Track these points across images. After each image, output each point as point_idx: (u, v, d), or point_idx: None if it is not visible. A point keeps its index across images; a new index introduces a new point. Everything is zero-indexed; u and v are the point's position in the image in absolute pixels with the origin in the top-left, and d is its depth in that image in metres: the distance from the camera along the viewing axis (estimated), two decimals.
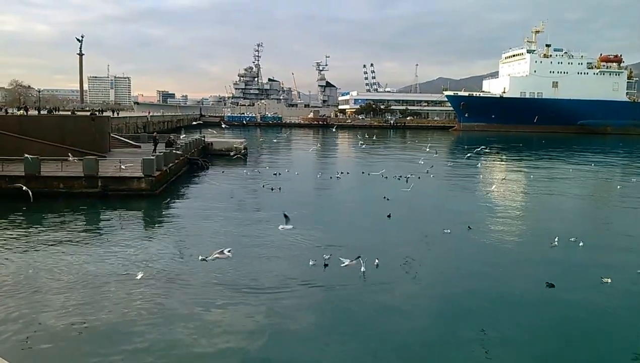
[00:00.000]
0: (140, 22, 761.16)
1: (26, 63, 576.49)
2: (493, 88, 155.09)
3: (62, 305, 13.71)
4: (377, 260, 17.51)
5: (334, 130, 73.18)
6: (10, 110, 73.47)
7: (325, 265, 17.35)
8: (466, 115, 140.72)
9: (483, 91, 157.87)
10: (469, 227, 23.64)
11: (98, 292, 14.70)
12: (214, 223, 24.01)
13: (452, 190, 36.67)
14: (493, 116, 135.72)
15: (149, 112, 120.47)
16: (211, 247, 18.78)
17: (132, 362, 11.13)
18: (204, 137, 58.46)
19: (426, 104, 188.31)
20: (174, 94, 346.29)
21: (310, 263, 17.38)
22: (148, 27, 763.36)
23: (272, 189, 33.67)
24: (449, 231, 22.44)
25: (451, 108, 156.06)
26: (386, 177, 39.23)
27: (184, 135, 52.22)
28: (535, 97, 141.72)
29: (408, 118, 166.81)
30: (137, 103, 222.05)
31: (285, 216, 18.56)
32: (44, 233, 21.46)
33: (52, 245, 19.63)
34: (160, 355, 11.37)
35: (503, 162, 63.00)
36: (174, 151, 37.34)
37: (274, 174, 39.34)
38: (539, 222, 26.77)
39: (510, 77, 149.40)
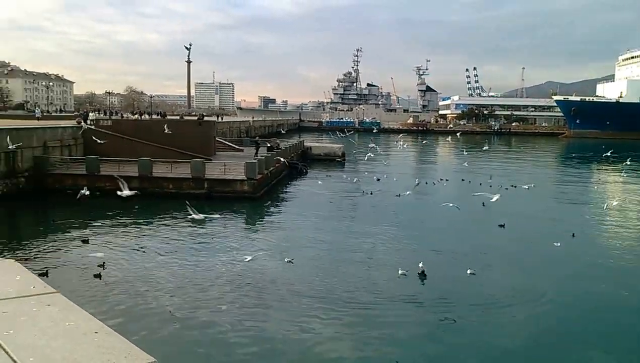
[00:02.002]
0: (244, 30, 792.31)
1: (140, 70, 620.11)
2: (608, 92, 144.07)
3: (163, 301, 13.86)
4: (469, 270, 16.62)
5: (458, 136, 70.52)
6: (125, 115, 78.54)
7: (423, 275, 16.64)
8: (577, 122, 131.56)
9: (597, 96, 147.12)
10: (572, 234, 22.65)
11: (199, 290, 14.90)
12: (312, 227, 23.88)
13: (565, 201, 34.04)
14: (608, 123, 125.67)
15: (252, 117, 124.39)
16: (307, 249, 18.63)
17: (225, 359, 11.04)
18: (303, 141, 58.93)
19: (533, 109, 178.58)
20: (274, 99, 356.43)
21: (400, 272, 16.70)
22: (251, 35, 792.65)
23: (370, 193, 33.36)
24: (558, 244, 20.63)
25: (560, 114, 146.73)
26: (490, 186, 37.17)
27: (279, 142, 52.87)
28: None
29: (513, 124, 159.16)
30: (240, 108, 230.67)
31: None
32: (151, 229, 22.32)
33: (161, 241, 20.28)
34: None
35: (618, 173, 57.94)
36: (274, 155, 37.73)
37: (377, 179, 38.57)
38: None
39: (628, 80, 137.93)
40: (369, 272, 17.30)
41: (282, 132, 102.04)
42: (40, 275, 14.44)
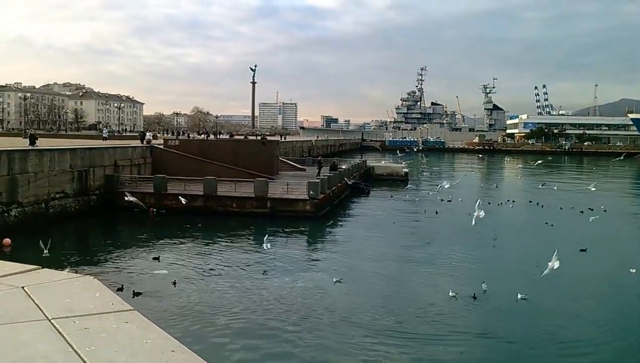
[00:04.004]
0: (307, 50, 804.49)
1: (206, 91, 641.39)
2: None
3: (230, 321, 14.15)
4: (520, 295, 16.08)
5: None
6: (192, 135, 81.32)
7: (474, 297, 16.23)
8: None
9: None
10: None
11: (264, 310, 15.11)
12: (373, 248, 23.83)
13: (631, 225, 32.41)
14: None
15: (317, 136, 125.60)
16: (366, 271, 18.60)
17: None
18: (365, 161, 58.90)
19: (607, 128, 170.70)
20: (337, 119, 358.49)
21: (450, 293, 16.39)
22: (314, 55, 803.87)
23: (436, 212, 33.07)
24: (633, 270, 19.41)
25: (637, 132, 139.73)
26: (561, 208, 35.84)
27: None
28: None
29: (585, 143, 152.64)
30: (302, 128, 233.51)
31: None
32: (217, 248, 22.87)
33: (222, 259, 20.75)
34: None
35: None
36: (337, 174, 37.91)
37: (441, 200, 37.95)
38: None
39: None
40: (423, 297, 17.04)
41: (344, 151, 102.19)
42: (116, 291, 15.22)
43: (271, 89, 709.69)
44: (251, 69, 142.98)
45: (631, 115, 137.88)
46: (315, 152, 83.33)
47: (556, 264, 15.79)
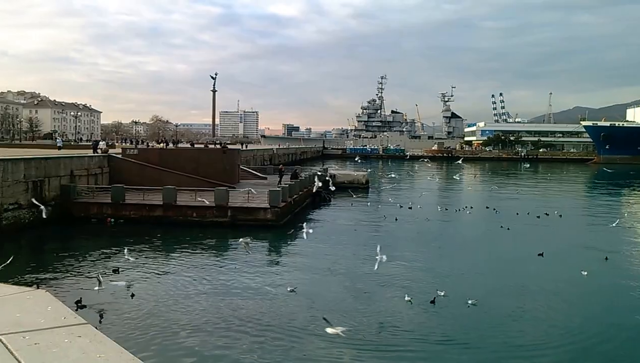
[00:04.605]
0: (270, 59, 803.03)
1: (166, 100, 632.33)
2: (639, 117, 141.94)
3: (188, 334, 14.00)
4: (470, 300, 16.41)
5: (460, 162, 70.19)
6: (151, 144, 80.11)
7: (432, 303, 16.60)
8: (607, 147, 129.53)
9: (627, 121, 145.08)
10: (605, 257, 22.98)
11: (222, 322, 14.94)
12: (334, 255, 23.83)
13: (598, 229, 33.44)
14: (639, 148, 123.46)
15: (279, 145, 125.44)
16: (326, 279, 18.59)
17: None
18: (326, 169, 59.13)
19: (561, 135, 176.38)
20: (298, 127, 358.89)
21: (406, 298, 16.63)
22: (276, 63, 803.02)
23: (396, 219, 33.43)
24: (585, 273, 20.15)
25: (589, 139, 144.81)
26: (518, 213, 36.82)
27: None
28: None
29: (540, 150, 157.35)
30: (264, 136, 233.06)
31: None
32: (175, 258, 22.58)
33: (182, 269, 20.51)
34: None
35: None
36: (298, 182, 37.98)
37: (400, 206, 38.46)
38: None
39: None
40: (380, 303, 17.13)
41: (306, 159, 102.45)
42: (72, 305, 14.83)
43: (233, 97, 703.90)
44: (212, 77, 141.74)
45: (584, 123, 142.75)
46: (277, 161, 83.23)
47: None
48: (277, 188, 32.19)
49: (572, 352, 13.61)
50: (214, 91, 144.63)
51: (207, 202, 29.19)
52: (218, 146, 65.50)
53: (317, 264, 22.23)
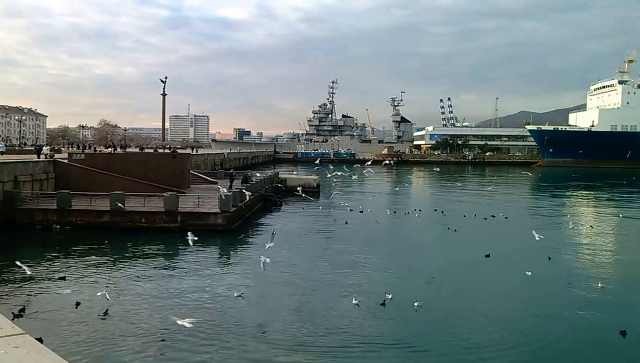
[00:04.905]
0: (220, 62, 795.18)
1: (114, 103, 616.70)
2: (580, 121, 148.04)
3: (133, 343, 13.77)
4: (416, 302, 16.67)
5: (388, 162, 70.47)
6: (98, 148, 78.02)
7: (383, 305, 16.88)
8: (550, 151, 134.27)
9: (569, 125, 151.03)
10: (549, 257, 23.84)
11: (170, 329, 14.70)
12: (285, 260, 23.72)
13: (529, 231, 34.64)
14: (580, 151, 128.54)
15: (230, 149, 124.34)
16: (276, 284, 18.60)
17: None
18: (277, 173, 59.12)
19: (507, 139, 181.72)
20: (249, 131, 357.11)
21: (354, 301, 16.75)
22: (227, 67, 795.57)
23: (346, 222, 33.73)
24: (529, 273, 20.91)
25: (534, 143, 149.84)
26: (464, 216, 37.84)
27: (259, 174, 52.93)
28: (628, 130, 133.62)
29: (487, 153, 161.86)
30: (214, 140, 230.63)
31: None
32: (122, 265, 22.12)
33: (129, 277, 20.13)
34: None
35: (590, 201, 59.42)
36: (249, 187, 37.82)
37: (350, 210, 38.84)
38: (619, 264, 25.33)
39: (599, 109, 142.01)
40: (329, 307, 17.18)
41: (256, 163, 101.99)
42: (13, 315, 14.31)
43: (183, 100, 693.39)
44: (161, 81, 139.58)
45: (528, 127, 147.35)
46: (228, 165, 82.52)
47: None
48: (228, 193, 31.97)
49: (518, 351, 13.99)
50: (164, 95, 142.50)
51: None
52: (168, 150, 64.43)
53: (266, 269, 22.16)
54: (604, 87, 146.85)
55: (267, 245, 19.28)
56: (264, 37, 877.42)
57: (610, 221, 39.99)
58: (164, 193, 30.80)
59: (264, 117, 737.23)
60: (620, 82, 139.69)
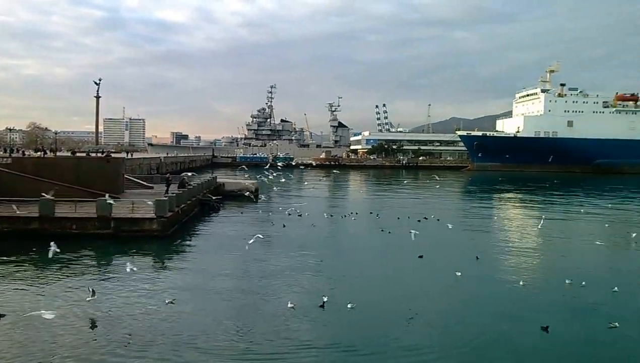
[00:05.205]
0: (158, 65, 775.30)
1: (45, 105, 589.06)
2: (507, 128, 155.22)
3: (62, 344, 13.49)
4: (349, 304, 17.17)
5: (303, 166, 70.97)
6: (27, 152, 74.64)
7: (322, 307, 17.24)
8: (479, 155, 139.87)
9: (497, 131, 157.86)
10: (477, 257, 25.11)
11: (100, 333, 14.55)
12: (222, 265, 23.71)
13: (471, 230, 36.22)
14: (507, 156, 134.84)
15: (167, 153, 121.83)
16: (212, 289, 18.73)
17: None
18: (215, 177, 58.68)
19: (439, 144, 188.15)
20: (187, 135, 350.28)
21: (289, 305, 17.03)
22: (165, 70, 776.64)
23: (284, 226, 34.17)
24: (459, 274, 21.95)
25: (464, 148, 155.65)
26: (399, 218, 38.99)
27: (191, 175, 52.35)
28: (550, 136, 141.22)
29: (420, 158, 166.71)
30: (151, 144, 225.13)
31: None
32: (51, 274, 21.42)
33: (60, 286, 19.56)
34: None
35: (515, 203, 62.42)
36: (186, 192, 37.46)
37: (289, 214, 39.20)
38: (541, 263, 26.67)
39: (524, 116, 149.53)
40: (265, 311, 17.19)
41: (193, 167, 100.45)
42: None
43: (118, 104, 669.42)
44: (95, 83, 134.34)
45: (459, 133, 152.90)
46: (164, 169, 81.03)
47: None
48: (164, 198, 31.58)
49: (447, 349, 14.50)
50: (98, 97, 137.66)
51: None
52: (101, 155, 62.55)
53: (203, 274, 22.07)
54: (528, 95, 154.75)
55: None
56: (203, 40, 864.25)
57: (534, 222, 42.16)
58: (96, 199, 30.02)
59: (202, 121, 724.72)
60: (543, 91, 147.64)
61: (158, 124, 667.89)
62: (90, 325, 15.51)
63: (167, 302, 17.33)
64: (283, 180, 48.64)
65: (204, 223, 37.50)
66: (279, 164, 61.61)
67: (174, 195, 34.19)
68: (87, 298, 17.30)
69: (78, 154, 66.29)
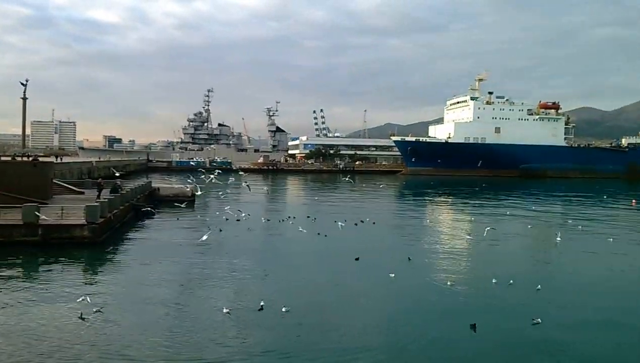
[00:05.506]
0: (89, 66, 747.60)
1: None
2: (439, 133, 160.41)
3: None
4: (283, 308, 17.43)
5: (240, 173, 69.79)
6: None
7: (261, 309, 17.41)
8: (413, 160, 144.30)
9: (429, 136, 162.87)
10: (409, 258, 26.11)
11: (29, 347, 14.08)
12: (156, 272, 23.28)
13: (394, 235, 37.28)
14: (439, 161, 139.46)
15: (99, 157, 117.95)
16: (144, 297, 18.52)
17: None
18: (150, 182, 57.50)
19: (375, 149, 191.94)
20: (120, 139, 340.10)
21: (224, 310, 17.03)
22: (97, 71, 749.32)
23: (220, 231, 33.97)
24: (392, 275, 22.66)
25: (399, 153, 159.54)
26: (335, 221, 39.63)
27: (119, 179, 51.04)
28: (479, 142, 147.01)
29: (357, 162, 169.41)
30: (82, 148, 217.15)
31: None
32: None
33: None
34: None
35: (446, 206, 64.69)
36: (118, 197, 36.58)
37: (226, 219, 38.97)
38: (469, 263, 27.75)
39: (455, 122, 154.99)
40: (199, 317, 17.00)
41: (116, 174, 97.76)
42: None
43: (47, 106, 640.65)
44: (22, 84, 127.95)
45: (393, 138, 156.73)
46: (97, 174, 78.41)
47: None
48: (95, 203, 30.75)
49: (381, 350, 14.84)
50: (25, 98, 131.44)
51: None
52: (28, 158, 59.84)
53: (135, 282, 21.60)
54: (458, 102, 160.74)
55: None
56: (137, 41, 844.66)
57: (463, 224, 44.00)
58: (22, 205, 28.84)
59: (137, 124, 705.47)
60: (472, 99, 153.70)
61: (90, 127, 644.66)
62: (12, 337, 14.91)
63: (95, 310, 16.82)
64: (220, 184, 48.23)
65: (138, 229, 36.70)
66: (216, 169, 60.93)
67: (106, 200, 33.33)
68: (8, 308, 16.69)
69: (3, 158, 63.16)
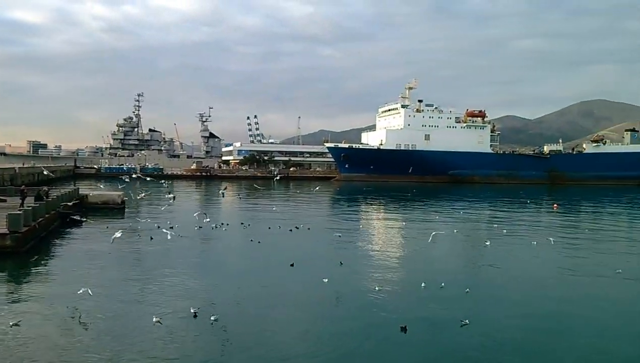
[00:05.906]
0: (11, 68, 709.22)
1: None
2: (371, 140, 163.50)
3: None
4: (212, 317, 17.32)
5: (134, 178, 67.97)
6: None
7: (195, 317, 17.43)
8: (347, 166, 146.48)
9: (362, 143, 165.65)
10: (340, 262, 26.78)
11: None
12: (82, 283, 22.24)
13: (328, 240, 37.90)
14: (372, 167, 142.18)
15: (23, 164, 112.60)
16: (73, 309, 18.18)
17: None
18: (78, 189, 55.61)
19: (309, 155, 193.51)
20: (46, 145, 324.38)
21: (154, 319, 16.70)
22: (20, 74, 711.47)
23: (151, 239, 33.59)
24: (326, 280, 23.19)
25: (332, 159, 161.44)
26: (270, 227, 39.92)
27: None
28: (410, 148, 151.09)
29: (291, 169, 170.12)
30: (4, 154, 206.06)
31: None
32: None
33: None
34: None
35: (378, 211, 66.34)
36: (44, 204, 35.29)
37: (158, 227, 38.29)
38: (401, 267, 28.70)
39: (386, 130, 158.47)
40: (128, 328, 16.75)
41: (51, 176, 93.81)
42: None
43: None
44: None
45: (327, 144, 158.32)
46: (20, 181, 74.84)
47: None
48: (18, 212, 29.59)
49: (315, 355, 15.15)
50: None
51: None
52: None
53: (59, 293, 20.71)
54: (390, 110, 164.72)
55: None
56: (63, 44, 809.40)
57: (394, 229, 45.42)
58: None
59: (64, 129, 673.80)
60: (402, 106, 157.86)
61: (12, 131, 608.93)
62: None
63: (11, 324, 16.03)
64: (151, 192, 47.41)
65: (66, 238, 35.51)
66: (146, 175, 59.74)
67: (30, 208, 32.10)
68: None
69: None
